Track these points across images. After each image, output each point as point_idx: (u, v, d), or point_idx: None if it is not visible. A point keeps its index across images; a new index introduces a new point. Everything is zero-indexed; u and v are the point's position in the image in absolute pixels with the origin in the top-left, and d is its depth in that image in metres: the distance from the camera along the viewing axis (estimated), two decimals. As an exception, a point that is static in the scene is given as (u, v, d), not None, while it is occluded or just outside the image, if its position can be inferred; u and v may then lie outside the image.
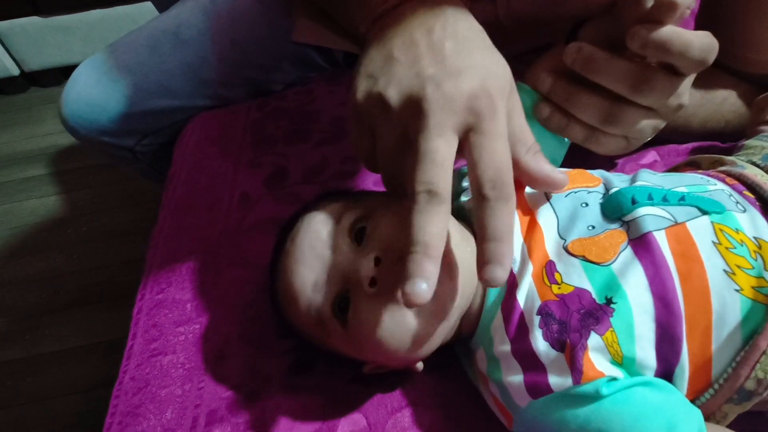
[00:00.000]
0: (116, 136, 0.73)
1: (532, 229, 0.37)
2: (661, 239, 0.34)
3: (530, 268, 0.36)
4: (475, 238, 0.32)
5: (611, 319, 0.33)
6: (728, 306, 0.32)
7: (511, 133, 0.34)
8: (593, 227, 0.36)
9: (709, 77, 0.51)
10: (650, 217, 0.35)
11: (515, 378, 0.34)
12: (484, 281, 0.31)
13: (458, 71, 0.33)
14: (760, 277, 0.33)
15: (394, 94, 0.34)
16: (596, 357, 0.32)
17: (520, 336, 0.35)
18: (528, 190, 0.40)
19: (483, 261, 0.31)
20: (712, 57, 0.37)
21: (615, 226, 0.36)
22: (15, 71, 1.73)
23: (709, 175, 0.41)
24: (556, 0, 0.56)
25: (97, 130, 0.72)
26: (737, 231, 0.34)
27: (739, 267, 0.33)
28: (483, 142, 0.32)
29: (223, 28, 0.70)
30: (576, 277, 0.34)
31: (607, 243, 0.35)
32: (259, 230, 0.56)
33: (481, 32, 0.36)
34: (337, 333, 0.36)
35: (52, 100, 1.71)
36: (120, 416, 0.44)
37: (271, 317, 0.45)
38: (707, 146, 0.55)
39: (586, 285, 0.34)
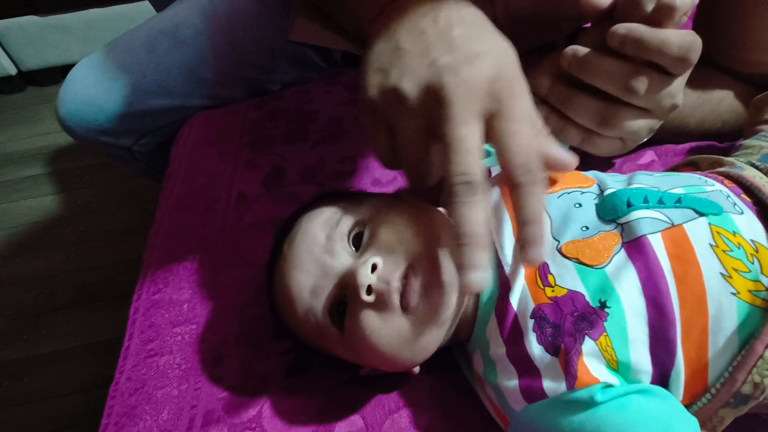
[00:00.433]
0: (114, 136, 0.73)
1: None
2: (657, 242, 0.34)
3: (522, 270, 0.36)
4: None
5: (605, 323, 0.33)
6: (725, 309, 0.32)
7: None
8: (587, 228, 0.36)
9: (706, 78, 0.52)
10: (646, 219, 0.35)
11: (510, 382, 0.34)
12: (527, 261, 0.31)
13: (473, 57, 0.32)
14: (756, 280, 0.33)
15: (409, 86, 0.33)
16: (591, 362, 0.32)
17: (514, 339, 0.35)
18: None
19: (525, 243, 0.31)
20: (693, 55, 0.37)
21: (609, 227, 0.36)
22: (12, 70, 1.73)
23: (707, 176, 0.41)
24: (554, -1, 0.56)
25: (95, 130, 0.72)
26: (734, 233, 0.34)
27: (735, 270, 0.33)
28: (508, 128, 0.32)
29: (221, 28, 0.70)
30: (570, 279, 0.34)
31: (601, 245, 0.35)
32: (256, 230, 0.56)
33: (485, 18, 0.36)
34: (335, 338, 0.36)
35: (49, 99, 1.70)
36: (116, 417, 0.44)
37: (269, 318, 0.44)
38: (705, 146, 0.55)
39: (580, 288, 0.34)
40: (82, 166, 1.48)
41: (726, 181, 0.40)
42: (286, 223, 0.41)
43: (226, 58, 0.71)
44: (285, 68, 0.75)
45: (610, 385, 0.32)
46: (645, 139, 0.44)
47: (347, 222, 0.37)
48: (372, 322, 0.34)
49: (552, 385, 0.32)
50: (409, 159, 0.36)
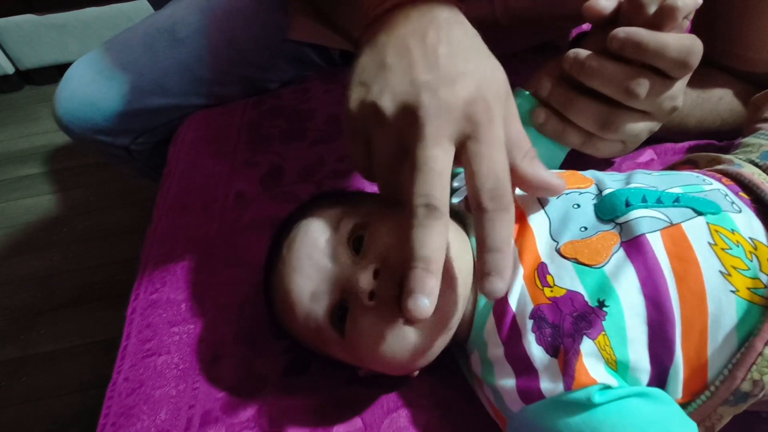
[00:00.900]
0: (111, 135, 0.73)
1: (522, 232, 0.37)
2: (656, 241, 0.34)
3: (521, 271, 0.35)
4: (475, 246, 0.32)
5: (603, 322, 0.33)
6: (724, 307, 0.32)
7: (507, 138, 0.33)
8: (585, 228, 0.36)
9: (705, 76, 0.52)
10: (644, 219, 0.35)
11: (508, 382, 0.34)
12: (486, 293, 0.31)
13: (453, 77, 0.32)
14: (755, 278, 0.33)
15: (388, 103, 0.33)
16: (590, 362, 0.32)
17: (512, 339, 0.34)
18: (518, 192, 0.39)
19: (484, 272, 0.31)
20: (693, 58, 0.37)
21: (608, 227, 0.36)
22: (10, 69, 1.72)
23: (705, 175, 0.41)
24: (553, -2, 0.56)
25: (92, 129, 0.72)
26: (733, 232, 0.34)
27: (734, 268, 0.33)
28: (481, 151, 0.31)
29: (218, 26, 0.70)
30: (568, 279, 0.34)
31: (600, 245, 0.35)
32: (254, 229, 0.56)
33: (476, 36, 0.36)
34: (335, 342, 0.36)
35: (47, 98, 1.70)
36: (114, 417, 0.44)
37: (267, 318, 0.44)
38: (704, 145, 0.55)
39: (579, 288, 0.34)
40: (79, 165, 1.47)
41: (724, 179, 0.40)
42: (283, 225, 0.41)
43: (224, 56, 0.71)
44: (283, 67, 0.75)
45: (608, 386, 0.31)
46: (644, 140, 0.45)
47: (347, 225, 0.37)
48: (374, 327, 0.34)
49: (549, 386, 0.32)
50: (382, 174, 0.36)
